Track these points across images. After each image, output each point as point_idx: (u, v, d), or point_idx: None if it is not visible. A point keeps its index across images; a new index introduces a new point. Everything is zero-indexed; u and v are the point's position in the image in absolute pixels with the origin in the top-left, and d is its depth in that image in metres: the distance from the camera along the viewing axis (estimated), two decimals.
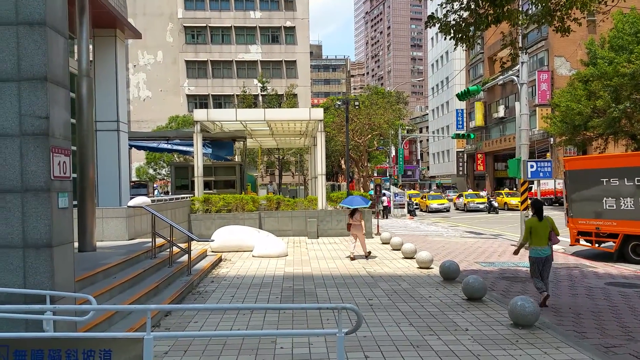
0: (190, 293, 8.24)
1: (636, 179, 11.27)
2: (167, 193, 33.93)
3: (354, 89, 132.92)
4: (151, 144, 21.41)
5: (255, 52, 51.28)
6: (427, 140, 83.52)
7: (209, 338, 5.66)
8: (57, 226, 4.44)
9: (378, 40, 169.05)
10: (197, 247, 11.87)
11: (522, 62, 15.05)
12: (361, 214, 12.24)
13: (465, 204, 35.46)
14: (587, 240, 12.71)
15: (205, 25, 50.87)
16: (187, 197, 16.77)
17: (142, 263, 8.52)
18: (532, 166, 14.09)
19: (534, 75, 40.16)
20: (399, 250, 12.75)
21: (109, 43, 11.45)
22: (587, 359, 5.02)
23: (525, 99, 15.13)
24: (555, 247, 14.51)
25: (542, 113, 39.59)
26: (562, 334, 5.90)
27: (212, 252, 12.69)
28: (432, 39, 75.80)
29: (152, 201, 12.39)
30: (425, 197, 38.16)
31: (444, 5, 9.18)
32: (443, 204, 35.48)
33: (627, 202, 11.40)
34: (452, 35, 9.09)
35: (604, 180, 11.93)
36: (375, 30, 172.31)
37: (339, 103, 29.40)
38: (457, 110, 59.46)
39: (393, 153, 43.76)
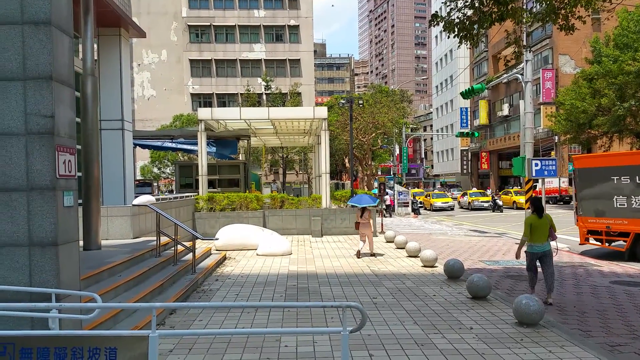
0: (194, 291, 8.26)
1: None
2: (171, 191, 34.03)
3: (358, 87, 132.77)
4: (155, 143, 21.46)
5: (259, 50, 51.28)
6: (431, 138, 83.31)
7: (214, 336, 5.67)
8: (62, 224, 4.46)
9: (382, 39, 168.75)
10: (201, 246, 11.90)
11: (527, 61, 14.99)
12: (370, 212, 12.34)
13: (469, 203, 35.36)
14: (596, 239, 12.55)
15: (209, 24, 50.92)
16: (191, 196, 16.82)
17: (146, 261, 8.55)
18: (536, 164, 14.03)
19: (538, 74, 39.98)
20: (403, 248, 12.74)
21: (114, 42, 11.48)
22: (592, 357, 5.00)
23: (529, 97, 15.08)
24: (560, 245, 14.54)
25: (546, 111, 39.42)
26: (567, 332, 5.88)
27: (217, 250, 12.73)
28: (436, 37, 75.57)
29: (157, 199, 12.44)
30: (429, 196, 38.08)
31: (447, 4, 9.16)
32: (447, 202, 35.38)
33: (638, 200, 11.27)
34: (456, 33, 9.06)
35: (615, 178, 11.76)
36: (379, 29, 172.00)
37: (343, 102, 29.35)
38: (461, 108, 59.26)
39: (397, 151, 43.68)
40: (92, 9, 8.74)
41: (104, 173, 11.03)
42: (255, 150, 36.19)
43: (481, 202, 34.36)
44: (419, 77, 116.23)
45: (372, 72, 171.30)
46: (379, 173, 53.61)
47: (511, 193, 36.15)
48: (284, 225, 16.78)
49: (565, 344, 5.40)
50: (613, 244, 12.24)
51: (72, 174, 4.70)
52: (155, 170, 48.34)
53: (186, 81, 51.38)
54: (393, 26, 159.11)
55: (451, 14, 9.01)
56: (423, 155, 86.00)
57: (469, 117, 58.40)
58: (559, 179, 37.39)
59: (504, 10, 8.38)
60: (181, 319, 6.46)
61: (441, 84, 73.10)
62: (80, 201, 8.31)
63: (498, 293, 8.01)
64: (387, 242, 14.69)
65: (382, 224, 18.73)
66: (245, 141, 22.46)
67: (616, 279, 9.50)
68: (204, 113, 18.06)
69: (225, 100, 51.42)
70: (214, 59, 51.13)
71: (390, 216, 28.81)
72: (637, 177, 11.32)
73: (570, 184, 39.83)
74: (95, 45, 10.52)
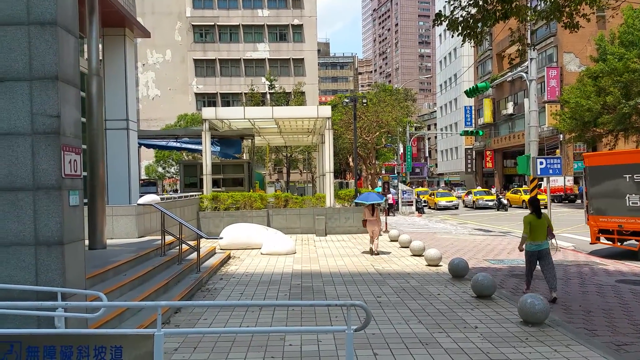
0: (199, 290, 8.29)
1: None
2: (176, 191, 34.13)
3: (362, 86, 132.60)
4: (160, 143, 21.53)
5: (263, 50, 51.34)
6: (435, 137, 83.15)
7: (219, 335, 5.69)
8: (68, 224, 4.49)
9: (386, 38, 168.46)
10: (206, 245, 11.94)
11: (531, 59, 14.93)
12: (378, 210, 12.46)
13: (474, 201, 35.25)
14: (608, 239, 12.34)
15: (213, 23, 51.02)
16: (195, 195, 16.87)
17: (151, 260, 8.59)
18: (541, 163, 13.96)
19: (543, 72, 39.81)
20: (407, 247, 12.74)
21: (118, 42, 11.53)
22: (598, 356, 4.98)
23: (534, 96, 15.02)
24: (565, 244, 14.47)
25: (551, 110, 39.27)
26: (573, 331, 5.86)
27: (221, 249, 12.76)
28: (440, 35, 75.36)
29: (162, 199, 12.48)
30: (433, 195, 38.01)
31: (451, 2, 9.13)
32: (451, 201, 35.30)
33: None
34: (459, 31, 9.04)
35: (627, 176, 11.54)
36: (382, 28, 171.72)
37: (347, 101, 29.36)
38: (465, 107, 59.11)
39: (401, 150, 43.61)
40: (97, 9, 8.78)
41: (109, 172, 11.08)
42: (259, 150, 36.23)
43: (486, 200, 34.25)
44: (423, 75, 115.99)
45: (375, 70, 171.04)
46: (383, 172, 53.55)
47: (520, 192, 35.98)
48: (288, 224, 16.80)
49: (570, 343, 5.38)
50: (625, 243, 12.02)
51: (78, 173, 4.73)
52: (160, 169, 48.49)
53: (190, 81, 51.50)
54: (397, 25, 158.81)
55: (455, 13, 8.99)
56: (427, 154, 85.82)
57: (473, 116, 58.24)
58: (564, 178, 37.20)
59: (508, 8, 8.36)
60: (186, 318, 6.48)
61: (445, 82, 72.91)
62: (85, 200, 8.36)
63: (503, 292, 7.99)
64: (392, 240, 14.68)
65: (386, 223, 18.71)
66: (249, 140, 22.50)
67: (622, 277, 9.45)
68: (208, 113, 18.09)
69: (229, 99, 51.51)
70: (218, 59, 51.22)
71: (394, 215, 28.79)
72: None
73: (575, 182, 39.68)
74: (100, 45, 10.56)
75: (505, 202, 32.54)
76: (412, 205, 31.12)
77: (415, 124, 59.87)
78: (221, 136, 20.26)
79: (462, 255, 12.18)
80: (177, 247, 9.46)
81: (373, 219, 12.18)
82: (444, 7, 11.72)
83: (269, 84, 39.93)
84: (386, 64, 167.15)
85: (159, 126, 46.70)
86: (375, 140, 40.94)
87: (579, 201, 37.25)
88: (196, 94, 51.57)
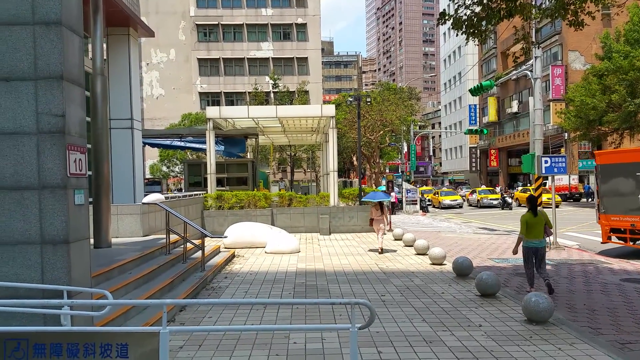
0: (204, 289, 8.32)
1: None
2: (180, 190, 34.22)
3: (366, 85, 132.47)
4: (164, 142, 21.60)
5: (266, 49, 51.37)
6: (440, 136, 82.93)
7: (224, 332, 5.72)
8: (73, 222, 4.52)
9: (390, 36, 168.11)
10: (210, 244, 11.97)
11: (536, 57, 14.86)
12: (385, 208, 12.64)
13: (478, 200, 35.17)
14: (620, 238, 12.14)
15: (217, 23, 51.09)
16: (200, 194, 16.91)
17: (156, 259, 8.62)
18: (546, 162, 13.90)
19: (547, 70, 39.63)
20: (412, 246, 12.73)
21: (123, 41, 11.56)
22: (602, 355, 4.97)
23: (539, 94, 14.96)
24: (570, 242, 14.42)
25: (556, 108, 39.08)
26: (577, 330, 5.85)
27: (225, 248, 12.79)
28: (444, 34, 75.13)
29: (166, 198, 12.53)
30: (437, 194, 37.93)
31: (455, 1, 9.11)
32: (456, 200, 35.23)
33: None
34: (464, 30, 9.02)
35: None
36: (386, 26, 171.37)
37: (351, 99, 29.33)
38: (470, 105, 58.92)
39: (405, 149, 43.53)
40: (101, 8, 8.81)
41: (114, 172, 11.13)
42: (263, 149, 36.25)
43: (490, 199, 34.15)
44: (427, 74, 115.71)
45: (379, 69, 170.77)
46: (387, 171, 53.49)
47: (530, 191, 35.81)
48: (292, 223, 16.82)
49: (575, 342, 5.37)
50: (638, 242, 11.86)
51: (83, 172, 4.76)
52: (164, 168, 48.65)
53: (194, 80, 51.61)
54: (401, 23, 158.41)
55: (459, 11, 8.96)
56: (431, 153, 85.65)
57: (477, 114, 58.05)
58: (569, 176, 37.05)
59: (512, 6, 8.33)
60: (191, 316, 6.51)
61: (449, 81, 72.71)
62: (90, 199, 8.40)
63: (507, 291, 7.97)
64: (396, 239, 14.68)
65: (390, 222, 18.70)
66: (253, 139, 22.52)
67: (627, 276, 9.41)
68: (212, 112, 18.13)
69: (233, 99, 51.59)
70: (222, 58, 51.30)
71: (395, 213, 28.78)
72: None
73: (580, 181, 39.50)
74: (105, 45, 10.60)
75: (510, 200, 32.44)
76: (416, 204, 31.09)
77: (419, 123, 59.76)
78: (225, 135, 20.30)
79: (466, 254, 12.17)
80: (182, 246, 9.50)
81: (380, 217, 12.34)
82: (448, 5, 11.69)
83: (273, 83, 39.94)
84: (390, 62, 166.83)
85: (163, 125, 46.85)
86: (379, 139, 40.89)
87: (583, 200, 37.10)
88: (200, 93, 51.68)
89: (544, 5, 9.73)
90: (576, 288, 8.47)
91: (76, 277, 4.53)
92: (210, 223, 16.33)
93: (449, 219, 25.12)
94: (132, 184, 11.50)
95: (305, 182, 49.16)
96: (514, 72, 23.12)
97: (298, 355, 5.05)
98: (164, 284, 7.34)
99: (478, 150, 59.59)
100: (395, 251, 12.56)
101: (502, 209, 31.73)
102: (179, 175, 46.34)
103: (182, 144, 21.33)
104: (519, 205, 33.14)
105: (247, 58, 51.34)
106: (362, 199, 15.23)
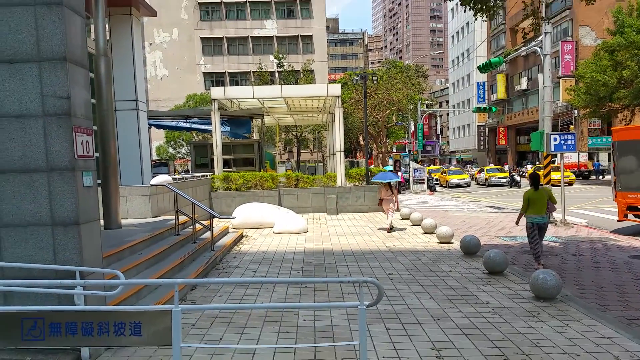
0: (214, 268, 8.42)
1: None
2: (187, 171, 34.38)
3: (372, 63, 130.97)
4: (170, 123, 21.60)
5: (270, 27, 50.73)
6: (447, 114, 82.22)
7: (234, 310, 5.80)
8: (83, 204, 4.56)
9: (396, 12, 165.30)
10: (218, 224, 12.07)
11: (545, 33, 14.56)
12: (394, 188, 12.77)
13: (486, 179, 35.02)
14: (637, 215, 12.00)
15: (219, 1, 50.41)
16: (207, 175, 16.98)
17: (166, 240, 8.71)
18: (555, 139, 13.75)
19: (557, 46, 38.93)
20: (419, 225, 12.75)
21: (125, 22, 11.47)
22: (609, 330, 5.00)
23: (548, 71, 14.71)
24: (579, 220, 14.36)
25: (565, 85, 38.52)
26: (584, 306, 5.87)
27: (234, 228, 12.89)
28: (452, 10, 73.74)
29: (174, 179, 12.59)
30: (445, 173, 37.79)
31: None
32: (463, 179, 35.09)
33: None
34: (471, 5, 8.84)
35: None
36: (393, 2, 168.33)
37: (357, 78, 29.03)
38: (478, 83, 58.17)
39: (412, 128, 43.23)
40: None
41: (121, 154, 11.17)
42: (269, 129, 36.16)
43: (498, 178, 33.99)
44: (435, 51, 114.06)
45: (386, 47, 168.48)
46: (394, 150, 53.25)
47: (542, 169, 35.54)
48: (300, 203, 16.88)
49: (582, 318, 5.40)
50: None
51: (90, 154, 4.78)
52: (171, 150, 48.81)
53: (198, 60, 51.25)
54: None
55: None
56: (439, 132, 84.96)
57: (486, 92, 57.35)
58: (578, 154, 36.75)
59: None
60: (201, 295, 6.60)
61: (457, 58, 71.68)
62: (99, 181, 8.46)
63: (515, 268, 7.99)
64: (403, 219, 14.70)
65: (397, 202, 18.71)
66: (259, 120, 22.45)
67: (635, 253, 9.39)
68: (217, 92, 18.05)
69: (237, 79, 51.27)
70: (226, 37, 50.77)
71: (401, 193, 28.78)
72: None
73: (589, 158, 39.16)
74: (107, 26, 10.51)
75: (518, 179, 32.27)
76: (423, 183, 31.01)
77: (426, 101, 59.16)
78: (231, 116, 20.25)
79: (474, 232, 12.18)
80: (191, 227, 9.58)
81: (389, 197, 12.42)
82: None
83: (278, 62, 39.59)
84: (397, 39, 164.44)
85: (167, 106, 46.80)
86: (386, 119, 40.58)
87: (593, 177, 36.84)
88: (204, 74, 51.37)
89: None
90: (584, 265, 8.47)
91: (88, 258, 4.59)
92: (218, 204, 16.43)
93: (457, 198, 25.08)
94: (139, 166, 11.56)
95: (311, 162, 49.13)
96: (523, 48, 22.70)
97: (307, 332, 5.12)
98: (174, 264, 7.44)
99: (486, 129, 59.08)
100: (404, 229, 12.65)
101: (511, 187, 31.60)
102: (185, 156, 46.50)
103: (188, 125, 21.33)
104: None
105: (251, 37, 50.78)
106: (372, 179, 15.28)
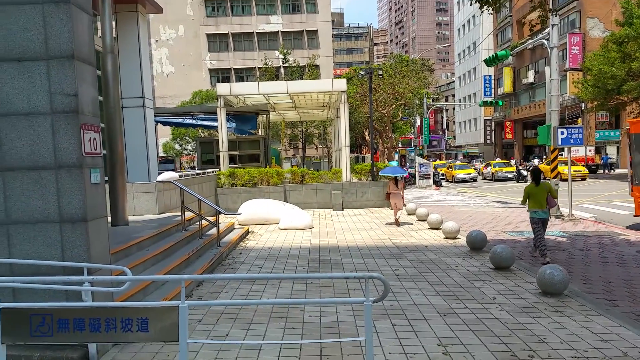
0: (220, 264, 8.45)
1: None
2: (193, 168, 34.49)
3: (377, 57, 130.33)
4: (176, 120, 21.66)
5: (276, 22, 50.66)
6: (454, 108, 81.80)
7: (240, 306, 5.83)
8: (90, 201, 4.59)
9: (402, 6, 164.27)
10: (224, 220, 12.10)
11: (553, 25, 14.42)
12: (401, 183, 12.81)
13: (493, 173, 34.84)
14: None
15: None
16: (213, 172, 17.02)
17: (173, 236, 8.76)
18: (562, 133, 13.65)
19: (564, 38, 38.55)
20: (425, 220, 12.74)
21: (131, 19, 11.47)
22: (617, 326, 4.97)
23: (555, 64, 14.58)
24: (586, 215, 14.27)
25: (573, 78, 38.15)
26: (592, 302, 5.84)
27: (239, 225, 12.93)
28: (457, 2, 73.20)
29: (180, 176, 12.63)
30: (451, 167, 37.64)
31: None
32: (470, 173, 34.94)
33: None
34: None
35: None
36: None
37: (362, 73, 28.95)
38: (484, 76, 57.78)
39: (418, 123, 43.07)
40: None
41: (128, 150, 11.21)
42: (274, 125, 36.18)
43: (505, 172, 33.80)
44: (441, 44, 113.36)
45: (391, 41, 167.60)
46: (400, 145, 53.10)
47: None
48: (305, 199, 16.89)
49: (590, 313, 5.37)
50: None
51: (98, 151, 4.80)
52: (177, 147, 48.92)
53: (204, 56, 51.29)
54: None
55: None
56: (445, 126, 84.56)
57: (492, 86, 56.96)
58: (586, 148, 36.43)
59: None
60: (208, 291, 6.64)
61: (464, 51, 71.18)
62: (106, 178, 8.51)
63: (522, 264, 7.96)
64: (409, 214, 14.68)
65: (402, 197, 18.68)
66: (265, 116, 22.46)
67: None
68: (222, 89, 18.06)
69: (243, 75, 51.27)
70: (231, 33, 50.76)
71: (406, 188, 28.70)
72: None
73: (597, 152, 38.83)
74: (114, 23, 10.53)
75: (525, 173, 32.07)
76: (429, 178, 30.93)
77: (432, 95, 58.84)
78: (236, 112, 20.27)
79: (480, 227, 12.14)
80: (197, 223, 9.62)
81: (396, 191, 12.50)
82: None
83: (283, 57, 39.52)
84: (402, 33, 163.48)
85: (174, 103, 46.89)
86: (392, 113, 40.43)
87: (600, 171, 36.55)
88: (210, 70, 51.42)
89: None
90: (592, 260, 8.43)
91: (95, 255, 4.63)
92: (223, 200, 16.47)
93: (463, 193, 24.99)
94: (146, 163, 11.60)
95: (317, 158, 49.14)
96: (530, 41, 22.48)
97: (313, 328, 5.14)
98: (180, 260, 7.48)
99: (493, 123, 58.72)
100: (411, 224, 12.68)
101: (518, 181, 31.42)
102: (191, 153, 46.61)
103: (194, 121, 21.38)
104: (544, 178, 32.73)
105: (256, 32, 50.73)
106: (380, 173, 15.35)
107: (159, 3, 13.01)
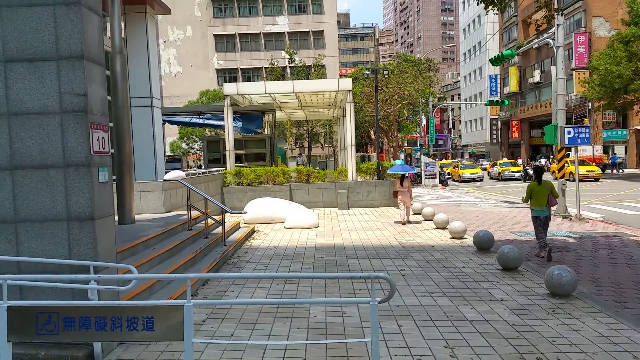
0: (225, 263, 8.46)
1: None
2: (200, 167, 34.59)
3: (383, 57, 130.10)
4: (183, 119, 21.73)
5: (282, 23, 50.79)
6: (459, 108, 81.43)
7: (245, 306, 5.83)
8: (98, 200, 4.60)
9: (407, 6, 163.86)
10: (230, 219, 12.11)
11: (558, 24, 14.31)
12: (409, 181, 12.89)
13: (499, 173, 34.65)
14: None
15: None
16: (219, 171, 17.05)
17: (179, 235, 8.78)
18: (569, 132, 13.54)
19: (570, 38, 38.26)
20: (431, 220, 12.68)
21: (140, 19, 11.51)
22: (627, 329, 4.92)
23: (561, 63, 14.47)
24: (594, 215, 14.16)
25: (579, 77, 37.86)
26: (601, 303, 5.78)
27: (245, 224, 12.94)
28: (463, 2, 72.91)
29: (187, 175, 12.66)
30: (457, 167, 37.48)
31: None
32: (476, 173, 34.77)
33: None
34: None
35: None
36: None
37: (368, 72, 28.85)
38: (490, 76, 57.50)
39: (424, 122, 42.93)
40: None
41: (135, 149, 11.25)
42: (280, 124, 36.17)
43: (512, 172, 33.62)
44: (446, 44, 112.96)
45: (397, 41, 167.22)
46: (405, 145, 52.95)
47: (567, 163, 35.02)
48: (311, 198, 16.88)
49: (599, 315, 5.32)
50: None
51: (106, 150, 4.82)
52: (184, 146, 49.07)
53: (211, 57, 51.48)
54: None
55: None
56: (451, 126, 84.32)
57: (498, 85, 56.69)
58: (593, 147, 36.15)
59: None
60: (213, 290, 6.65)
61: (469, 51, 70.87)
62: (114, 177, 8.54)
63: (529, 264, 7.91)
64: (415, 214, 14.63)
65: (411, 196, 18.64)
66: (271, 115, 22.48)
67: None
68: (229, 88, 18.09)
69: (249, 74, 51.41)
70: (238, 33, 50.95)
71: (412, 187, 28.63)
72: None
73: (604, 152, 38.51)
74: (123, 24, 10.56)
75: (531, 172, 31.87)
76: (435, 177, 30.81)
77: (438, 95, 58.69)
78: (243, 112, 20.30)
79: (487, 227, 12.08)
80: (203, 222, 9.63)
81: (404, 189, 12.58)
82: None
83: (289, 57, 39.54)
84: (408, 33, 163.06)
85: (181, 103, 47.01)
86: (397, 113, 40.33)
87: (609, 171, 36.25)
88: (217, 70, 51.61)
89: None
90: (600, 261, 8.35)
91: (102, 253, 4.64)
92: (229, 199, 16.50)
93: (469, 193, 24.87)
94: (153, 162, 11.64)
95: (322, 157, 49.07)
96: (536, 40, 22.34)
97: (318, 328, 5.13)
98: (186, 258, 7.49)
99: (499, 122, 58.41)
100: (420, 222, 12.74)
101: (524, 181, 31.21)
102: (198, 152, 46.73)
103: (201, 121, 21.43)
104: (555, 179, 32.54)
105: (263, 33, 50.86)
106: (389, 170, 15.42)
107: (167, 4, 13.05)
